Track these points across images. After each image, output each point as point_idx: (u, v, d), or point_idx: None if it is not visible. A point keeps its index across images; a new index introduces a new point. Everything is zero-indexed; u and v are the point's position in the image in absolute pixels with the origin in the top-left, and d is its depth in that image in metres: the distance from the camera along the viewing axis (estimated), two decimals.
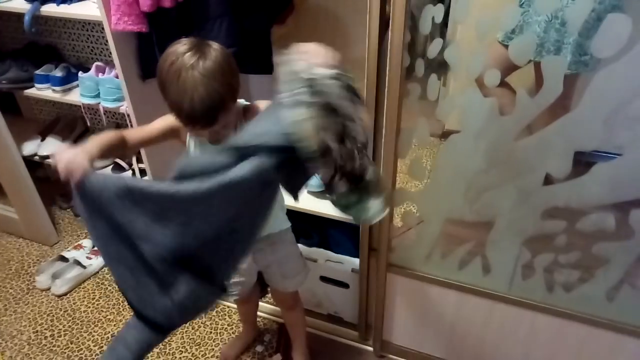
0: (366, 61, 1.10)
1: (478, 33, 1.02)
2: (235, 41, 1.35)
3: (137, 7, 1.32)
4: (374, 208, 0.93)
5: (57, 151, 0.92)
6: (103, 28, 1.40)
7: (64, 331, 1.75)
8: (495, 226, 1.24)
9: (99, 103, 1.65)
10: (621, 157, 1.04)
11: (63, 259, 1.96)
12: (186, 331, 1.71)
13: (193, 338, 1.69)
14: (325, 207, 1.53)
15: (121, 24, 1.33)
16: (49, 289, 1.91)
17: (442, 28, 1.10)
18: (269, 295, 1.78)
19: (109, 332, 1.74)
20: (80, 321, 1.78)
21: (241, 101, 1.10)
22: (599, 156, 1.10)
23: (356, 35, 1.63)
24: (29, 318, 1.80)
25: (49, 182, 2.22)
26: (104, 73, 1.67)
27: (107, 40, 1.42)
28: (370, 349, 1.63)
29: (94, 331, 1.74)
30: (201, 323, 1.74)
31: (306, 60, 0.84)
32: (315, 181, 1.53)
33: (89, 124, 2.02)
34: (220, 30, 1.36)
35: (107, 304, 1.85)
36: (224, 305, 1.79)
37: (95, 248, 1.94)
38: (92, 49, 1.92)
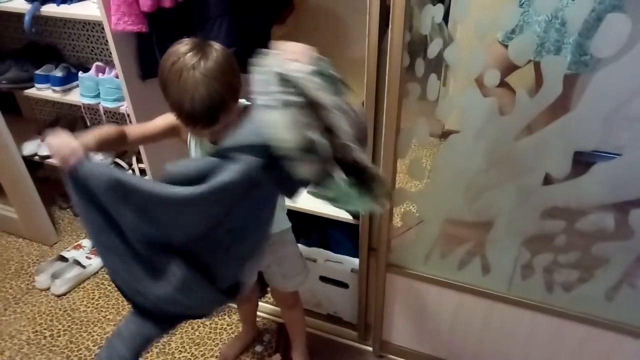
0: (366, 61, 1.10)
1: (478, 33, 1.02)
2: (235, 41, 1.35)
3: (137, 7, 1.32)
4: (373, 201, 0.93)
5: (52, 136, 0.92)
6: (103, 28, 1.40)
7: (63, 331, 1.75)
8: (495, 226, 1.24)
9: (99, 103, 1.65)
10: (620, 157, 1.04)
11: (63, 258, 1.96)
12: (186, 331, 1.71)
13: (192, 338, 1.69)
14: (325, 207, 1.53)
15: (121, 24, 1.33)
16: (48, 288, 1.91)
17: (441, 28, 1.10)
18: (269, 295, 1.78)
19: (108, 332, 1.74)
20: (80, 321, 1.78)
21: (242, 101, 1.11)
22: (598, 156, 1.10)
23: (356, 35, 1.64)
24: (29, 318, 1.80)
25: (48, 182, 2.22)
26: (104, 73, 1.67)
27: (107, 41, 1.43)
28: (370, 349, 1.63)
29: (94, 331, 1.74)
30: (200, 323, 1.74)
31: (281, 58, 0.84)
32: None
33: (89, 124, 2.01)
34: (220, 30, 1.36)
35: (107, 304, 1.85)
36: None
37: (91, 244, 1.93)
38: (92, 49, 1.93)
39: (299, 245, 1.40)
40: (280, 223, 1.29)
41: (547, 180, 1.12)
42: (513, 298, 1.29)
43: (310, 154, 0.82)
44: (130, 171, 1.79)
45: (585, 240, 1.12)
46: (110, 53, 1.44)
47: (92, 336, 1.72)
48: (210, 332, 1.71)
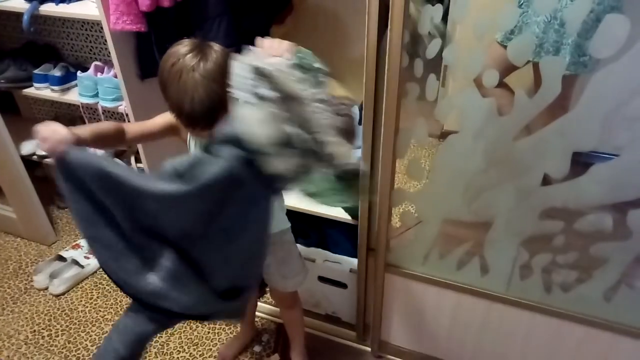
0: (365, 61, 1.10)
1: (477, 33, 1.02)
2: (234, 41, 1.35)
3: (136, 6, 1.32)
4: (356, 195, 0.93)
5: (41, 125, 0.91)
6: (102, 27, 1.40)
7: (61, 331, 1.74)
8: (494, 226, 1.24)
9: (98, 102, 1.65)
10: (619, 158, 1.04)
11: (61, 258, 1.96)
12: (184, 331, 1.71)
13: (191, 338, 1.69)
14: (323, 207, 1.53)
15: (120, 24, 1.33)
16: (46, 288, 1.91)
17: (441, 28, 1.10)
18: (268, 295, 1.78)
19: (107, 331, 1.73)
20: (78, 321, 1.78)
21: None
22: (596, 157, 1.10)
23: (355, 35, 1.64)
24: (27, 317, 1.80)
25: (47, 182, 2.21)
26: (102, 72, 1.67)
27: (105, 40, 1.43)
28: (368, 349, 1.63)
29: (92, 331, 1.74)
30: (199, 323, 1.74)
31: (261, 53, 0.85)
32: None
33: (87, 123, 2.02)
34: (219, 30, 1.36)
35: (105, 304, 1.84)
36: None
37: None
38: (91, 48, 1.92)
39: (298, 245, 1.41)
40: (280, 223, 1.29)
41: (546, 181, 1.13)
42: (511, 298, 1.29)
43: (286, 149, 0.82)
44: None
45: (583, 240, 1.13)
46: (109, 52, 1.44)
47: (90, 336, 1.72)
48: (208, 332, 1.71)
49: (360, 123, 1.22)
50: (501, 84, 1.19)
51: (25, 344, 1.70)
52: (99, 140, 1.03)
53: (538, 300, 1.26)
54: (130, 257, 0.95)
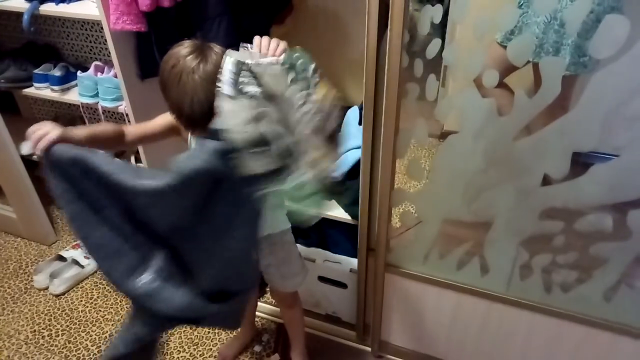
0: (365, 61, 1.10)
1: (477, 34, 1.02)
2: (234, 41, 1.34)
3: (136, 6, 1.32)
4: (316, 204, 0.93)
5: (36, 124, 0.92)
6: (102, 27, 1.40)
7: (61, 331, 1.75)
8: (494, 226, 1.24)
9: (98, 102, 1.65)
10: (618, 158, 1.04)
11: (61, 258, 1.96)
12: (184, 331, 1.71)
13: (191, 338, 1.69)
14: (323, 207, 1.53)
15: (120, 24, 1.33)
16: (47, 288, 1.91)
17: (441, 28, 1.10)
18: (268, 295, 1.78)
19: (107, 331, 1.74)
20: (78, 321, 1.78)
21: None
22: (596, 157, 1.10)
23: (355, 35, 1.64)
24: (27, 317, 1.80)
25: (47, 182, 2.21)
26: (102, 72, 1.67)
27: (105, 40, 1.43)
28: (368, 349, 1.63)
29: (92, 331, 1.74)
30: (193, 327, 1.73)
31: (252, 51, 0.86)
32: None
33: (87, 123, 2.01)
34: (219, 30, 1.36)
35: (105, 304, 1.84)
36: None
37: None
38: (91, 48, 1.92)
39: (298, 245, 1.41)
40: (280, 223, 1.29)
41: (546, 181, 1.13)
42: (511, 298, 1.29)
43: (261, 148, 0.82)
44: None
45: (583, 240, 1.13)
46: (109, 52, 1.44)
47: (90, 336, 1.72)
48: (208, 332, 1.71)
49: (360, 123, 1.22)
50: (501, 84, 1.19)
51: (25, 343, 1.70)
52: (95, 142, 1.03)
53: (538, 300, 1.26)
54: (122, 257, 0.95)
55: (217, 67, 0.95)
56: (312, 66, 0.88)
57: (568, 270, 1.20)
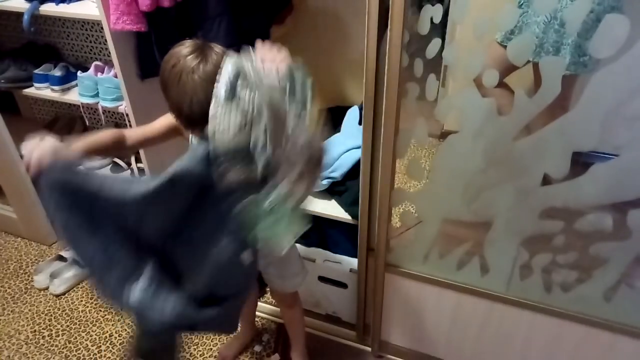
0: (365, 61, 1.10)
1: (476, 33, 1.02)
2: (234, 41, 1.35)
3: (136, 6, 1.32)
4: (285, 231, 0.92)
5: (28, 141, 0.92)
6: (102, 27, 1.40)
7: (62, 331, 1.75)
8: (494, 226, 1.24)
9: (98, 102, 1.65)
10: (618, 158, 1.04)
11: (61, 258, 1.96)
12: None
13: (191, 338, 1.69)
14: (323, 207, 1.53)
15: (120, 24, 1.33)
16: (47, 288, 1.91)
17: (441, 28, 1.10)
18: (268, 295, 1.78)
19: (107, 331, 1.74)
20: (79, 321, 1.78)
21: None
22: (596, 157, 1.10)
23: (355, 35, 1.64)
24: (27, 317, 1.80)
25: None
26: (102, 72, 1.67)
27: (106, 40, 1.42)
28: (368, 349, 1.63)
29: (92, 331, 1.74)
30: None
31: (256, 58, 0.85)
32: None
33: (87, 123, 2.02)
34: (219, 30, 1.36)
35: (105, 304, 1.84)
36: None
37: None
38: (91, 48, 1.92)
39: (298, 245, 1.41)
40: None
41: (546, 181, 1.13)
42: (511, 298, 1.29)
43: (248, 156, 0.82)
44: (129, 170, 1.79)
45: (583, 240, 1.13)
46: (109, 52, 1.44)
47: (90, 336, 1.72)
48: None
49: (360, 123, 1.22)
50: (501, 84, 1.19)
51: (25, 343, 1.70)
52: (93, 153, 1.04)
53: (538, 300, 1.26)
54: (113, 269, 0.95)
55: (217, 68, 0.95)
56: (310, 83, 0.87)
57: (568, 270, 1.20)
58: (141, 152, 1.64)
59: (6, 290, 1.92)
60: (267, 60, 0.87)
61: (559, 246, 1.17)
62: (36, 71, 1.75)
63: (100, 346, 1.68)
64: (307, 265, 1.44)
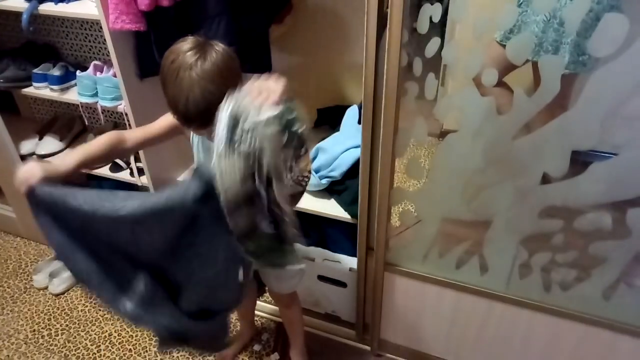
0: (364, 60, 1.10)
1: (476, 32, 1.02)
2: (233, 40, 1.35)
3: (135, 6, 1.32)
4: (291, 256, 0.96)
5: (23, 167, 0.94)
6: (101, 27, 1.40)
7: (61, 330, 1.75)
8: (493, 225, 1.24)
9: (97, 102, 1.65)
10: (618, 157, 1.04)
11: None
12: None
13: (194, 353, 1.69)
14: (322, 206, 1.53)
15: (119, 23, 1.33)
16: (46, 287, 1.91)
17: (441, 27, 1.10)
18: (267, 294, 1.78)
19: (106, 331, 1.73)
20: (78, 320, 1.78)
21: None
22: (595, 155, 1.10)
23: (354, 34, 1.64)
24: (27, 317, 1.80)
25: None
26: (102, 72, 1.66)
27: (105, 39, 1.42)
28: (368, 348, 1.63)
29: (91, 330, 1.74)
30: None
31: (249, 101, 0.83)
32: (313, 180, 1.53)
33: (87, 122, 2.02)
34: (218, 29, 1.36)
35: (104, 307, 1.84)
36: None
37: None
38: (90, 47, 1.92)
39: (297, 245, 1.40)
40: None
41: (545, 180, 1.13)
42: (511, 297, 1.29)
43: (250, 204, 0.82)
44: (128, 170, 1.79)
45: (582, 239, 1.13)
46: (108, 52, 1.44)
47: (90, 335, 1.72)
48: None
49: (359, 122, 1.22)
50: (500, 83, 1.19)
51: (25, 343, 1.70)
52: (89, 164, 1.04)
53: (537, 299, 1.27)
54: (106, 282, 0.95)
55: (215, 66, 0.95)
56: (304, 126, 0.87)
57: (567, 268, 1.20)
58: (140, 151, 1.64)
59: (5, 290, 1.92)
60: (261, 98, 0.84)
61: (558, 245, 1.17)
62: (35, 71, 1.75)
63: (100, 345, 1.68)
64: (306, 265, 1.44)
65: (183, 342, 1.08)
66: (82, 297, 1.87)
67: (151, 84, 1.49)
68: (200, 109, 0.93)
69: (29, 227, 2.13)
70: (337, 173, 1.49)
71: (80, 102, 1.67)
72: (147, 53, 1.44)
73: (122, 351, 1.66)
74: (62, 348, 1.68)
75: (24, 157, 1.96)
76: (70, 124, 2.09)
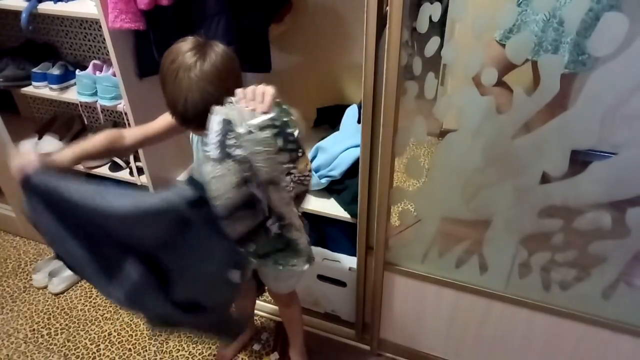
0: (364, 59, 1.10)
1: (475, 32, 1.02)
2: (232, 39, 1.35)
3: (135, 5, 1.31)
4: (299, 260, 0.96)
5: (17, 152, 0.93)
6: (100, 26, 1.40)
7: (60, 329, 1.75)
8: (492, 225, 1.24)
9: (97, 101, 1.65)
10: (617, 156, 1.04)
11: (60, 257, 1.96)
12: None
13: (190, 336, 1.69)
14: (322, 205, 1.53)
15: (118, 22, 1.33)
16: (45, 287, 1.91)
17: (440, 27, 1.10)
18: (267, 294, 1.78)
19: (106, 330, 1.73)
20: (77, 319, 1.78)
21: None
22: (595, 155, 1.10)
23: (354, 33, 1.64)
24: (26, 316, 1.80)
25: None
26: (101, 71, 1.66)
27: (104, 39, 1.42)
28: (367, 347, 1.64)
29: (91, 329, 1.74)
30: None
31: (242, 106, 0.83)
32: (313, 179, 1.53)
33: (86, 122, 2.02)
34: (217, 28, 1.35)
35: (104, 302, 1.84)
36: None
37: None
38: (90, 47, 1.92)
39: None
40: None
41: (545, 179, 1.13)
42: (510, 296, 1.29)
43: (244, 210, 0.82)
44: (128, 169, 1.79)
45: (582, 238, 1.13)
46: (108, 51, 1.44)
47: (89, 334, 1.72)
48: None
49: (359, 121, 1.22)
50: (500, 83, 1.19)
51: (24, 342, 1.70)
52: (86, 159, 1.04)
53: (537, 298, 1.27)
54: (96, 268, 0.95)
55: (214, 67, 0.95)
56: (299, 128, 0.87)
57: (567, 268, 1.20)
58: (140, 150, 1.64)
59: (5, 289, 1.92)
60: (252, 104, 0.85)
61: (557, 244, 1.17)
62: (34, 70, 1.75)
63: (99, 345, 1.68)
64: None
65: (173, 327, 1.09)
66: (82, 296, 1.88)
67: (150, 83, 1.49)
68: (198, 110, 0.93)
69: (29, 226, 2.12)
70: (336, 172, 1.49)
71: (80, 102, 1.67)
72: (146, 52, 1.44)
73: (122, 350, 1.66)
74: (61, 347, 1.68)
75: None
76: (70, 124, 2.09)
